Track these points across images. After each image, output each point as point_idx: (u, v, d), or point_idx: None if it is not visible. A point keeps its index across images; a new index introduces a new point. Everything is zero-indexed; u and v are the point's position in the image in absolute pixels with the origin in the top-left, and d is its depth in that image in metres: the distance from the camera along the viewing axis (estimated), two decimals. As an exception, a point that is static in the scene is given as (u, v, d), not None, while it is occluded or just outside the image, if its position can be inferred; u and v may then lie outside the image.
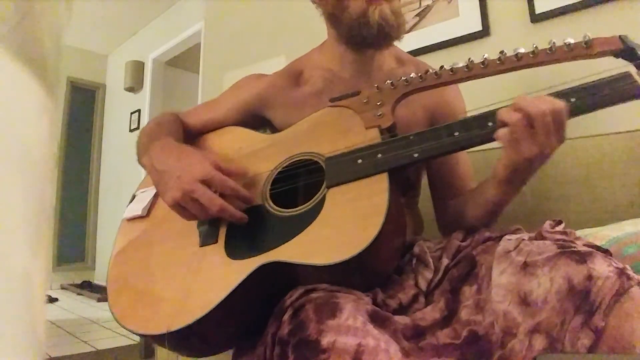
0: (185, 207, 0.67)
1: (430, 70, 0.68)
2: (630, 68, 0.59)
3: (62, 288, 4.10)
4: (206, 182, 0.65)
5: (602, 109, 0.58)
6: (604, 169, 0.98)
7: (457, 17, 1.44)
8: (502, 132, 0.58)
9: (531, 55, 0.62)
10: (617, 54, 0.60)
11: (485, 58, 0.64)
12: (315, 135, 0.74)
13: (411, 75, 0.69)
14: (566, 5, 1.21)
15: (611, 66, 0.59)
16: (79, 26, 3.84)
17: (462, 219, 0.75)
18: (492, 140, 0.61)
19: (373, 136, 0.66)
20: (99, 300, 3.44)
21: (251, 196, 0.70)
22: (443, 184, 0.86)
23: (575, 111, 0.58)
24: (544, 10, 1.25)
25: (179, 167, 0.67)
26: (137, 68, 4.10)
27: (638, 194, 0.95)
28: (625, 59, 0.60)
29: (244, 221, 0.67)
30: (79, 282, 4.16)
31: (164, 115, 0.89)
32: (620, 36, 0.59)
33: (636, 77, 0.58)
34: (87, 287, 3.95)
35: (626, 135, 0.98)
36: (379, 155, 0.63)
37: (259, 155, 0.77)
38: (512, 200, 0.66)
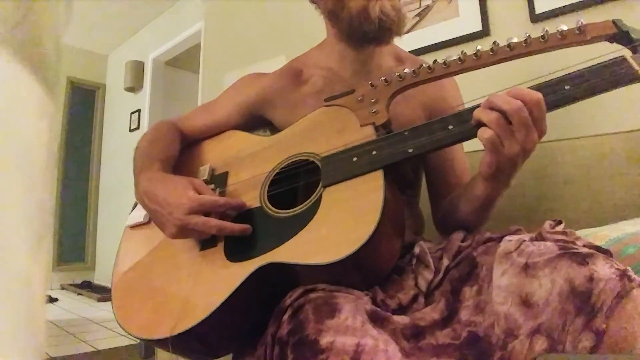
0: (185, 236, 0.69)
1: (424, 65, 0.68)
2: (625, 52, 0.58)
3: (62, 288, 4.10)
4: (196, 211, 0.66)
5: (600, 95, 0.56)
6: (604, 169, 0.98)
7: (457, 17, 1.44)
8: (481, 132, 0.57)
9: (524, 45, 0.61)
10: (611, 39, 0.59)
11: (478, 50, 0.64)
12: (311, 135, 0.74)
13: (405, 71, 0.68)
14: (566, 5, 1.21)
15: (606, 51, 0.58)
16: (79, 26, 3.84)
17: (455, 215, 0.75)
18: None
19: (368, 133, 0.66)
20: (99, 300, 3.44)
21: (242, 202, 0.71)
22: (439, 182, 0.86)
23: (570, 99, 0.56)
24: (544, 10, 1.25)
25: (167, 203, 0.68)
26: (137, 68, 4.10)
27: (638, 194, 0.94)
28: (620, 44, 0.58)
29: (247, 232, 0.68)
30: (79, 282, 4.16)
31: (159, 128, 0.88)
32: (613, 20, 0.58)
33: (631, 61, 0.56)
34: (87, 287, 3.95)
35: (626, 135, 0.98)
36: (374, 152, 0.63)
37: (257, 158, 0.77)
38: (501, 194, 0.65)
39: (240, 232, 0.67)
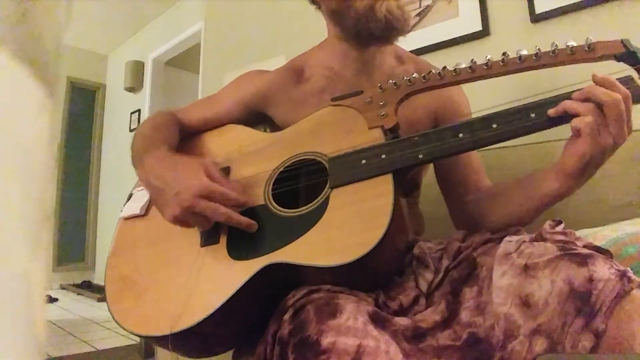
0: (186, 220, 0.66)
1: (434, 71, 0.67)
2: (632, 72, 0.59)
3: (62, 288, 4.10)
4: (205, 196, 0.65)
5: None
6: (604, 168, 0.97)
7: (457, 17, 1.43)
8: (579, 120, 0.56)
9: (534, 58, 0.62)
10: (618, 58, 0.60)
11: (489, 59, 0.64)
12: (317, 135, 0.73)
13: (414, 76, 0.68)
14: (566, 5, 1.21)
15: (612, 70, 0.59)
16: (79, 26, 3.84)
17: (498, 214, 0.73)
18: (497, 142, 0.61)
19: (376, 136, 0.66)
20: (99, 300, 3.44)
21: (246, 201, 0.69)
22: (458, 180, 0.83)
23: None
24: (544, 10, 1.25)
25: (176, 183, 0.66)
26: (137, 68, 4.10)
27: (638, 194, 0.94)
28: (627, 63, 0.59)
29: (253, 229, 0.66)
30: (79, 282, 4.16)
31: (159, 116, 0.86)
32: (622, 40, 0.59)
33: (638, 81, 0.58)
34: (87, 287, 3.95)
35: (626, 136, 0.98)
36: (383, 156, 0.63)
37: (261, 155, 0.77)
38: (571, 194, 0.63)
39: (246, 226, 0.66)
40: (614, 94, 0.54)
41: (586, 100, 0.56)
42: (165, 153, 0.73)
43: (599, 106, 0.55)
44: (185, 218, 0.66)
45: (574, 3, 1.19)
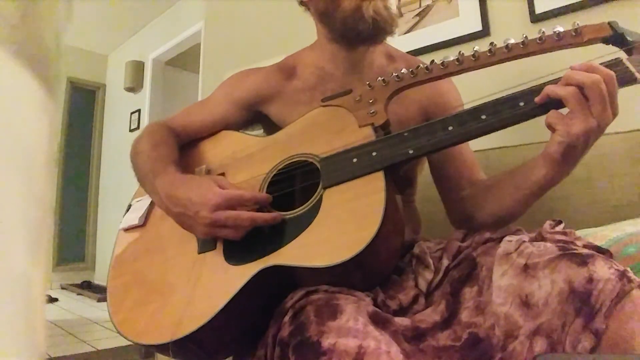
0: (216, 233, 0.66)
1: (421, 65, 0.67)
2: (621, 54, 0.58)
3: (62, 288, 4.10)
4: (223, 207, 0.64)
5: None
6: (604, 168, 0.98)
7: (457, 17, 1.43)
8: (548, 117, 0.57)
9: (521, 46, 0.61)
10: (606, 41, 0.60)
11: (476, 51, 0.64)
12: (309, 136, 0.73)
13: (402, 71, 0.68)
14: (566, 5, 1.20)
15: (602, 53, 0.59)
16: (79, 26, 3.84)
17: (490, 207, 0.73)
18: (486, 133, 0.61)
19: (367, 134, 0.66)
20: (99, 300, 3.44)
21: (267, 196, 0.69)
22: (452, 175, 0.83)
23: None
24: (544, 10, 1.24)
25: (192, 203, 0.66)
26: (137, 68, 4.10)
27: (638, 194, 0.95)
28: (615, 46, 0.59)
29: (278, 220, 0.65)
30: (79, 282, 4.16)
31: (155, 132, 0.84)
32: (609, 22, 0.59)
33: (627, 63, 0.57)
34: (87, 287, 3.95)
35: (626, 135, 0.98)
36: (374, 154, 0.63)
37: (254, 159, 0.77)
38: (561, 180, 0.63)
39: (273, 220, 0.65)
40: (593, 75, 0.54)
41: (568, 84, 0.56)
42: (175, 175, 0.73)
43: (581, 89, 0.55)
44: (214, 233, 0.66)
45: (574, 3, 1.19)
